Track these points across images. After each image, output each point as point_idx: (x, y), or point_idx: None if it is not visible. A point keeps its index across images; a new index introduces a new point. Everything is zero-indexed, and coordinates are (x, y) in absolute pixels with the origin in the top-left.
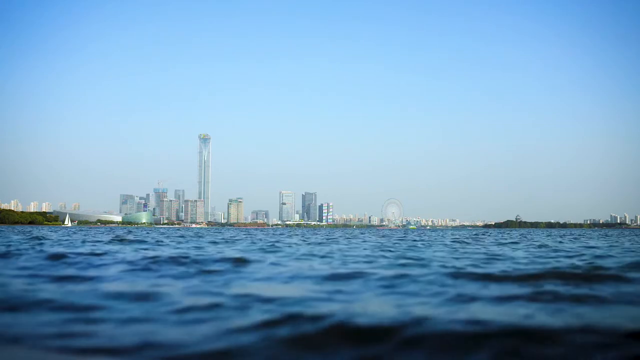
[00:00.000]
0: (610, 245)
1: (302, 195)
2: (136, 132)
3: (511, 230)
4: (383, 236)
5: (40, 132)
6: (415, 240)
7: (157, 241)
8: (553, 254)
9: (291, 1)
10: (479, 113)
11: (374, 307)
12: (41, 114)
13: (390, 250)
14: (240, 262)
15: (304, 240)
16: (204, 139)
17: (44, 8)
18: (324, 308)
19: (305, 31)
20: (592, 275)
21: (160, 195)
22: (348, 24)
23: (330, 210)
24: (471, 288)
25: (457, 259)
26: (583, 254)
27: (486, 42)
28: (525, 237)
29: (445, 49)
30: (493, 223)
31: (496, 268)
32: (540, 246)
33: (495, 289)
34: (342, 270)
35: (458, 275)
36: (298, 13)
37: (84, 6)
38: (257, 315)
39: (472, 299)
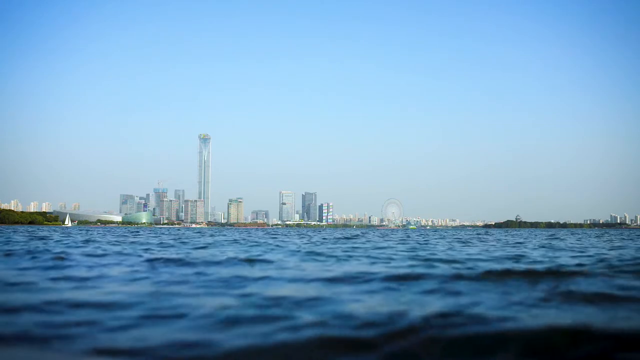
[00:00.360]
0: (612, 246)
1: (302, 195)
2: (136, 132)
3: (513, 230)
4: (384, 235)
5: (40, 132)
6: (420, 244)
7: (161, 242)
8: (564, 252)
9: (291, 1)
10: (479, 113)
11: (391, 305)
12: (41, 114)
13: (403, 251)
14: (250, 262)
15: (312, 242)
16: (204, 139)
17: (44, 8)
18: (344, 307)
19: (305, 31)
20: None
21: (160, 195)
22: (348, 24)
23: (330, 210)
24: (493, 287)
25: (469, 258)
26: (591, 254)
27: (486, 42)
28: (531, 237)
29: (445, 49)
30: (493, 223)
31: (516, 266)
32: (546, 245)
33: (516, 287)
34: (352, 270)
35: (473, 274)
36: (298, 13)
37: (84, 6)
38: (273, 314)
39: (498, 297)
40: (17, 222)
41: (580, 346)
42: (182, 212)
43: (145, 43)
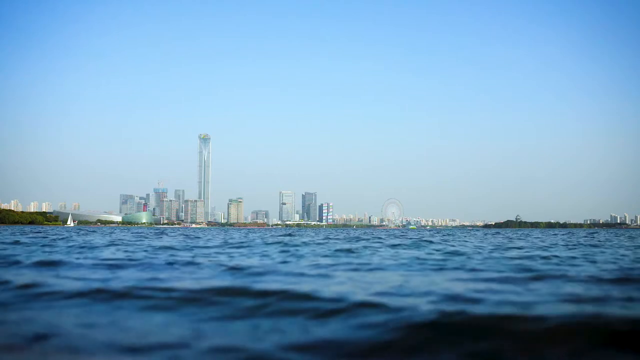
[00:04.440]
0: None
1: (302, 195)
2: (136, 132)
3: (516, 230)
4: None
5: (40, 132)
6: (454, 249)
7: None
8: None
9: (291, 1)
10: (479, 113)
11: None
12: (41, 114)
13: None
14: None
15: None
16: (204, 139)
17: (44, 8)
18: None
19: (305, 31)
20: None
21: (160, 195)
22: (348, 24)
23: (330, 210)
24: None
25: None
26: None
27: (486, 42)
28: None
29: (445, 49)
30: (493, 223)
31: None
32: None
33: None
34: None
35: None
36: (299, 13)
37: (83, 6)
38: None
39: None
40: (17, 222)
41: None
42: (182, 212)
43: (146, 43)
